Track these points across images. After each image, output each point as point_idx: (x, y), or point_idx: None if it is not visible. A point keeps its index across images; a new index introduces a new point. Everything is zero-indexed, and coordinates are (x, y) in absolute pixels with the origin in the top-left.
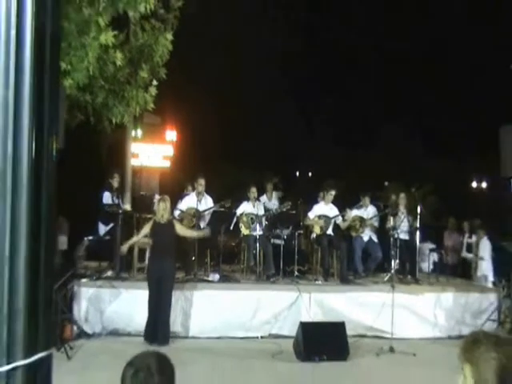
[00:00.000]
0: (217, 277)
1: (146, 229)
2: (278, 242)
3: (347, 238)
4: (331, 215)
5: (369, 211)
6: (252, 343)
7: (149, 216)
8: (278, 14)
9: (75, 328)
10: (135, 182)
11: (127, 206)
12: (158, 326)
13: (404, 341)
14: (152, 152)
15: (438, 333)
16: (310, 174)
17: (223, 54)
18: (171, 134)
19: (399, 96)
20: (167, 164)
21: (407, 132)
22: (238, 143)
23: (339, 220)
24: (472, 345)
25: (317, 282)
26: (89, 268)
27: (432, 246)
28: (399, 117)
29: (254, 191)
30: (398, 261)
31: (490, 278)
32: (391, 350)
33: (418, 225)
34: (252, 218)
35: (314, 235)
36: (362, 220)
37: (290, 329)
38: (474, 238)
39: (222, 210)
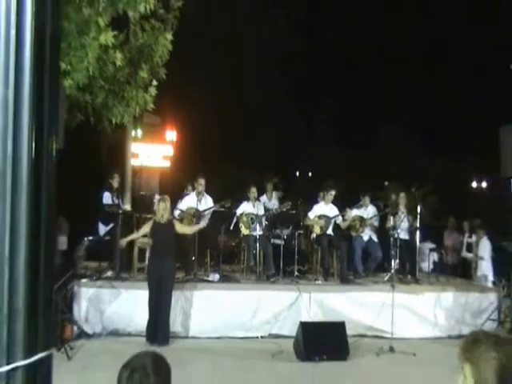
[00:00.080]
0: (217, 277)
1: (146, 228)
2: (278, 242)
3: (347, 237)
4: (331, 215)
5: (369, 211)
6: (252, 343)
7: (149, 216)
8: (277, 14)
9: (75, 328)
10: (135, 182)
11: (127, 206)
12: (157, 325)
13: (404, 341)
14: (152, 152)
15: (438, 332)
16: (309, 173)
17: (223, 53)
18: (171, 134)
19: (399, 96)
20: (167, 164)
21: (407, 132)
22: (238, 143)
23: (339, 220)
24: (472, 344)
25: (317, 282)
26: (89, 268)
27: (432, 245)
28: (399, 117)
29: (254, 191)
30: (397, 260)
31: (490, 277)
32: (391, 349)
33: (417, 224)
34: (252, 218)
35: (313, 235)
36: (362, 220)
37: (290, 329)
38: (473, 238)
39: (222, 209)
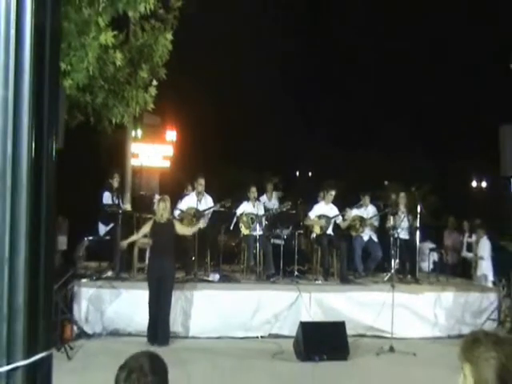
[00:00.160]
0: (217, 277)
1: (146, 228)
2: (277, 241)
3: (347, 237)
4: (331, 215)
5: (369, 211)
6: (252, 343)
7: (149, 216)
8: (277, 14)
9: (75, 328)
10: (135, 182)
11: (127, 206)
12: (157, 325)
13: (404, 340)
14: (152, 152)
15: (438, 332)
16: (309, 173)
17: (223, 53)
18: (171, 134)
19: (399, 96)
20: (167, 164)
21: (407, 132)
22: (238, 143)
23: (339, 219)
24: (472, 344)
25: (317, 282)
26: (89, 268)
27: (432, 245)
28: (399, 117)
29: (254, 191)
30: (397, 260)
31: (490, 277)
32: (391, 349)
33: (417, 224)
34: (252, 218)
35: (313, 235)
36: (362, 219)
37: (290, 329)
38: (473, 238)
39: (222, 209)
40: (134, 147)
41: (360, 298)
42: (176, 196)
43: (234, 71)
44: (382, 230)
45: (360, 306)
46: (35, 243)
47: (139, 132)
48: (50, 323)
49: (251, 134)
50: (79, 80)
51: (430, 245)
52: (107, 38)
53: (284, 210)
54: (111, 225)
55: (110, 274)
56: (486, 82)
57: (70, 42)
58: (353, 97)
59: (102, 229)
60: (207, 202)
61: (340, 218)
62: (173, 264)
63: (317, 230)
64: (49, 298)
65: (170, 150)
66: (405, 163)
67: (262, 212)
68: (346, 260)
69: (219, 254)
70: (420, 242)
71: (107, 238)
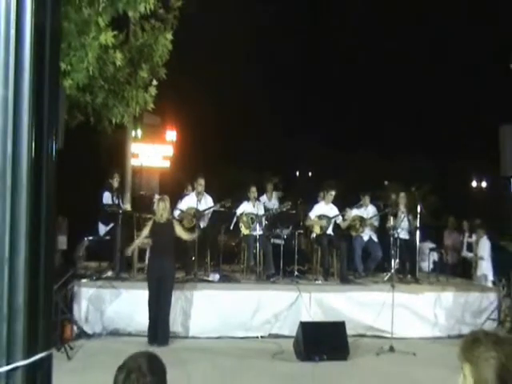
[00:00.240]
0: (217, 277)
1: (147, 230)
2: (277, 241)
3: (347, 237)
4: (331, 215)
5: (369, 211)
6: (252, 343)
7: (149, 216)
8: (278, 13)
9: (75, 328)
10: (135, 182)
11: (127, 206)
12: (157, 325)
13: (404, 340)
14: (152, 152)
15: (438, 332)
16: (309, 173)
17: (223, 53)
18: (171, 134)
19: (399, 96)
20: (167, 164)
21: (407, 132)
22: (238, 143)
23: (339, 219)
24: (472, 344)
25: (317, 282)
26: (89, 268)
27: (432, 245)
28: (399, 117)
29: (254, 191)
30: (397, 260)
31: (490, 277)
32: (391, 349)
33: (418, 224)
34: (252, 218)
35: (313, 235)
36: (362, 219)
37: (290, 328)
38: (473, 238)
39: (222, 209)
40: (134, 147)
41: (360, 298)
42: (176, 196)
43: (233, 71)
44: (382, 230)
45: (360, 306)
46: (35, 243)
47: (139, 132)
48: (49, 323)
49: (251, 133)
50: (79, 80)
51: (430, 245)
52: (107, 38)
53: (284, 210)
54: (111, 225)
55: (110, 273)
56: (486, 82)
57: (70, 42)
58: (353, 97)
59: (102, 229)
60: (207, 202)
61: (340, 217)
62: (173, 264)
63: (317, 230)
64: (49, 298)
65: (169, 150)
66: (405, 163)
67: (262, 212)
68: (345, 260)
69: (219, 253)
70: (420, 242)
71: (107, 237)
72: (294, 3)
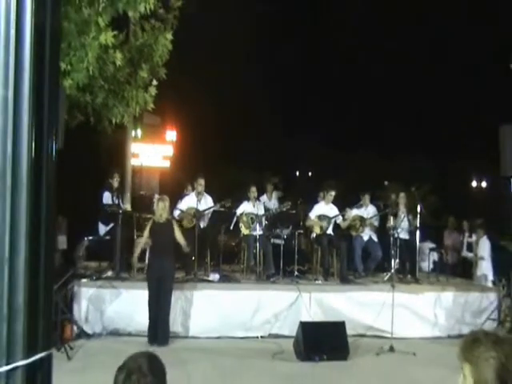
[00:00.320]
0: (217, 277)
1: (147, 231)
2: (277, 241)
3: (347, 237)
4: (331, 215)
5: (369, 211)
6: (252, 343)
7: (148, 216)
8: (278, 13)
9: (75, 328)
10: (135, 182)
11: (127, 206)
12: (157, 325)
13: (404, 340)
14: (152, 152)
15: (438, 332)
16: (309, 173)
17: (223, 53)
18: (171, 134)
19: (399, 96)
20: (167, 164)
21: (407, 132)
22: (238, 143)
23: (339, 219)
24: (472, 344)
25: (317, 282)
26: (89, 268)
27: (432, 245)
28: (399, 117)
29: (253, 191)
30: (397, 260)
31: (490, 277)
32: (391, 349)
33: (418, 224)
34: (252, 218)
35: (313, 235)
36: (362, 219)
37: (290, 328)
38: (473, 238)
39: (222, 209)
40: (134, 147)
41: (360, 297)
42: (176, 196)
43: (233, 71)
44: (382, 230)
45: (360, 306)
46: (35, 243)
47: (139, 132)
48: (49, 323)
49: (251, 133)
50: (79, 80)
51: (429, 245)
52: (107, 37)
53: (284, 209)
54: (111, 225)
55: (109, 273)
56: (486, 82)
57: (70, 42)
58: (353, 97)
59: (102, 229)
60: (207, 202)
61: (340, 217)
62: (172, 264)
63: (317, 230)
64: (49, 298)
65: (169, 150)
66: (405, 163)
67: (262, 212)
68: (345, 260)
69: (219, 253)
70: (420, 241)
71: (107, 237)
72: (294, 3)
